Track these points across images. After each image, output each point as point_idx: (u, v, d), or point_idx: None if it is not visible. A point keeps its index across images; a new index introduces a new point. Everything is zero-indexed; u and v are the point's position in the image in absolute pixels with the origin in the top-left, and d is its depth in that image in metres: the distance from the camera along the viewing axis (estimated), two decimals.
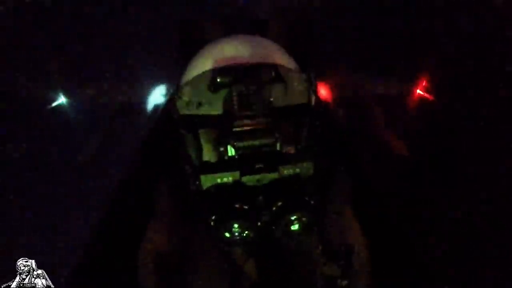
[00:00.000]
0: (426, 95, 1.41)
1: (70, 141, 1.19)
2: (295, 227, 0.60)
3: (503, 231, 1.09)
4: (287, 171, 0.61)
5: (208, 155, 0.70)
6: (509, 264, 1.04)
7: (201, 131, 0.70)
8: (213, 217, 0.59)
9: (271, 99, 0.65)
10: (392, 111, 1.45)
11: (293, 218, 0.59)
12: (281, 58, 0.73)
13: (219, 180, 0.60)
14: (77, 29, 1.25)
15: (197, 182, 0.62)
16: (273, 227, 0.60)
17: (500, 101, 1.18)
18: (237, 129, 0.62)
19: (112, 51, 1.35)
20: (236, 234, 0.59)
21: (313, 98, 0.71)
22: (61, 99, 1.29)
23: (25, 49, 1.18)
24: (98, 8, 1.29)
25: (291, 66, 0.72)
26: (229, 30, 1.00)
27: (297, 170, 0.61)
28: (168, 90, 1.46)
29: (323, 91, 1.50)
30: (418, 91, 1.44)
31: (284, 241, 0.64)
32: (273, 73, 0.65)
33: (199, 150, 0.71)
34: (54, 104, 1.27)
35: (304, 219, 0.59)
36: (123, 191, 1.06)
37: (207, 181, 0.61)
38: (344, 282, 0.68)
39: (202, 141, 0.70)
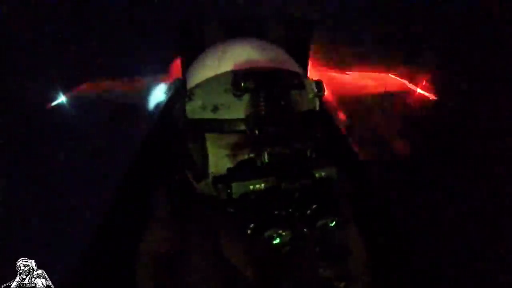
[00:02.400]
0: (427, 94, 1.41)
1: (69, 141, 1.19)
2: (332, 224, 0.60)
3: (504, 231, 1.09)
4: (317, 175, 0.61)
5: (219, 161, 0.69)
6: (509, 264, 1.04)
7: (211, 136, 0.68)
8: (251, 226, 0.57)
9: (293, 105, 0.64)
10: (392, 111, 1.45)
11: (327, 221, 0.59)
12: (292, 64, 0.73)
13: (251, 187, 0.59)
14: (76, 29, 1.25)
15: (228, 191, 0.60)
16: (305, 230, 0.60)
17: (501, 100, 1.18)
18: (270, 134, 0.60)
19: (112, 50, 1.35)
20: (280, 239, 0.58)
21: (318, 104, 0.71)
22: (61, 98, 1.29)
23: (25, 49, 1.18)
24: (98, 8, 1.29)
25: (300, 72, 0.72)
26: (229, 30, 0.99)
27: (323, 174, 0.62)
28: (167, 90, 1.46)
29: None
30: (419, 90, 1.44)
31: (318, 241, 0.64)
32: (295, 80, 0.65)
33: (205, 155, 0.69)
34: (54, 103, 1.26)
35: (337, 218, 0.60)
36: (122, 193, 1.06)
37: (239, 188, 0.59)
38: (342, 284, 0.68)
39: (212, 146, 0.69)
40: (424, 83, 1.39)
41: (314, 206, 0.59)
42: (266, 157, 0.60)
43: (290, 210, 0.59)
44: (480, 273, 1.06)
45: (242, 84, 0.62)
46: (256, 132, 0.61)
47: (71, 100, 1.19)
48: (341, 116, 1.44)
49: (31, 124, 1.08)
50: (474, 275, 1.06)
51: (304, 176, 0.60)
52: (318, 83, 0.69)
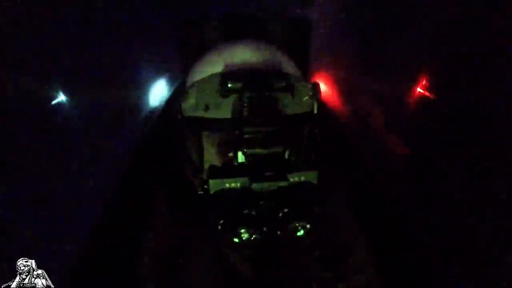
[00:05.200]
0: (427, 93, 1.41)
1: (69, 140, 1.19)
2: (300, 233, 0.61)
3: (504, 230, 1.09)
4: (293, 179, 0.62)
5: (211, 158, 0.70)
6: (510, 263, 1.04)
7: (205, 134, 0.70)
8: (221, 222, 0.60)
9: (280, 108, 0.65)
10: (392, 111, 1.45)
11: (298, 224, 0.61)
12: (289, 66, 0.73)
13: (227, 185, 0.61)
14: (76, 28, 1.25)
15: (205, 186, 0.62)
16: (278, 232, 0.61)
17: (502, 99, 1.18)
18: (248, 135, 0.63)
19: (112, 50, 1.35)
20: (244, 238, 0.60)
21: (316, 107, 0.71)
22: (61, 97, 1.29)
23: (25, 48, 1.18)
24: (98, 7, 1.29)
25: (297, 74, 0.73)
26: (229, 30, 0.99)
27: (302, 178, 0.63)
28: (168, 90, 1.46)
29: (322, 88, 1.49)
30: (419, 89, 1.44)
31: (287, 244, 0.65)
32: (284, 82, 0.65)
33: (201, 152, 0.71)
34: (53, 102, 1.26)
35: (308, 226, 0.61)
36: (121, 191, 1.06)
37: (215, 185, 0.62)
38: (341, 286, 0.69)
39: (205, 144, 0.71)
40: (424, 82, 1.38)
41: (286, 210, 0.60)
42: (240, 157, 0.62)
43: (259, 211, 0.60)
44: (482, 271, 1.06)
45: (229, 85, 0.63)
46: (237, 132, 0.63)
47: (71, 99, 1.19)
48: (342, 115, 1.45)
49: (30, 124, 1.08)
50: (476, 274, 1.06)
51: (277, 179, 0.61)
52: (314, 85, 0.70)
